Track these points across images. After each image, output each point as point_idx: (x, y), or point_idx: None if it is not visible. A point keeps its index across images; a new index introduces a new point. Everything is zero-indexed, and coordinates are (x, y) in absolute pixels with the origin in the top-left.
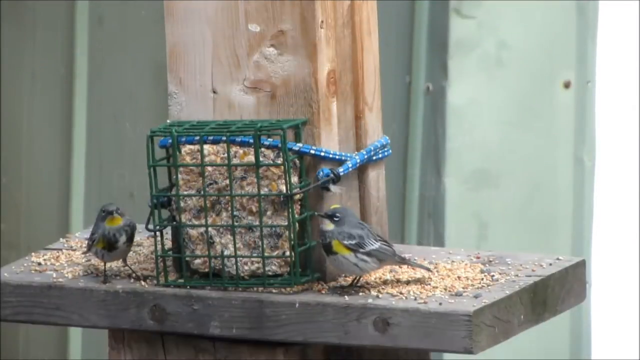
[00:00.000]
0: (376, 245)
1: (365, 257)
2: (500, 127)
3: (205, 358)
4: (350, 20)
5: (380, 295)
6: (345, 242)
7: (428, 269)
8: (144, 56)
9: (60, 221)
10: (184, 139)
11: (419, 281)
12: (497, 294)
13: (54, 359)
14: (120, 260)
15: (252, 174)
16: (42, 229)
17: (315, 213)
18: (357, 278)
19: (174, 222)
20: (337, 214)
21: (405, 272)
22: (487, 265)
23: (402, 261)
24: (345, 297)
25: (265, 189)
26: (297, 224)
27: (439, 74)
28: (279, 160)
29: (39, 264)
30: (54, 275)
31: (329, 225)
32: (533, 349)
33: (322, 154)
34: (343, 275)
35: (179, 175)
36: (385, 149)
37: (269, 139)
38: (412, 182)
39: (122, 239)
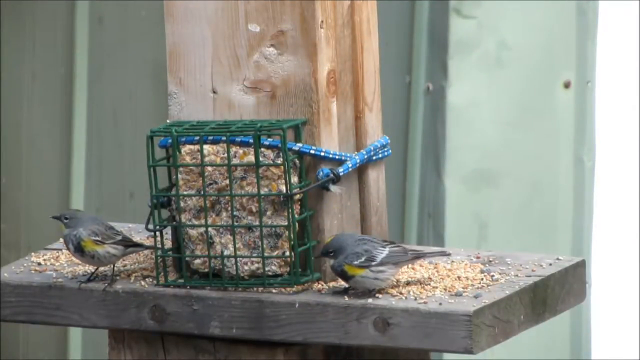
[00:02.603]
0: (385, 251)
1: (380, 268)
2: (500, 127)
3: (205, 358)
4: (350, 20)
5: (380, 295)
6: (356, 262)
7: (445, 254)
8: (144, 56)
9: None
10: (183, 139)
11: (419, 281)
12: (497, 294)
13: (54, 359)
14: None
15: (252, 174)
16: (42, 229)
17: (313, 257)
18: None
19: (174, 222)
20: (330, 250)
21: (405, 272)
22: (487, 265)
23: (417, 256)
24: (345, 297)
25: (265, 189)
26: (297, 224)
27: (439, 74)
28: (279, 160)
29: (39, 264)
30: (54, 275)
31: (329, 262)
32: (533, 348)
33: (322, 154)
34: None
35: (179, 175)
36: (385, 149)
37: (269, 139)
38: (412, 182)
39: (70, 247)
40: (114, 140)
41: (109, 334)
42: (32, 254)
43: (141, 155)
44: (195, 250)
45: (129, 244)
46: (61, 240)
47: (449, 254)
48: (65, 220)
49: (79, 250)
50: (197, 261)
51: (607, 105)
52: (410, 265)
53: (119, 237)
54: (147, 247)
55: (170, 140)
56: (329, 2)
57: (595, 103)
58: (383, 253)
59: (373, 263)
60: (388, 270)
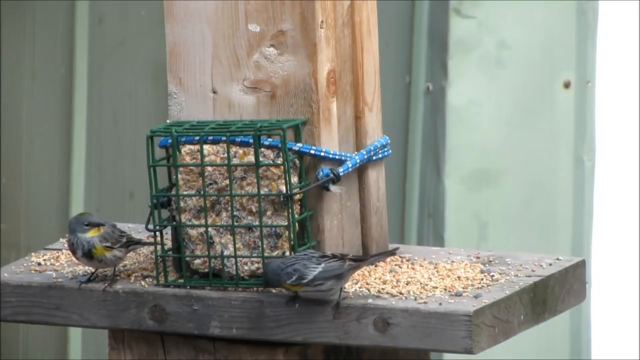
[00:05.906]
0: (319, 268)
1: (317, 282)
2: (500, 127)
3: (205, 358)
4: (350, 20)
5: (380, 295)
6: (288, 282)
7: (393, 253)
8: (144, 56)
9: (60, 221)
10: (183, 139)
11: (418, 281)
12: (497, 294)
13: (54, 359)
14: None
15: (252, 174)
16: (42, 229)
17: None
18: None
19: (174, 222)
20: (267, 280)
21: (405, 272)
22: (487, 265)
23: (356, 267)
24: (350, 295)
25: (265, 189)
26: (297, 224)
27: (439, 74)
28: (279, 160)
29: (39, 264)
30: (54, 275)
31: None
32: (533, 349)
33: (322, 154)
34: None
35: (179, 175)
36: (385, 149)
37: (269, 139)
38: (412, 182)
39: (79, 252)
40: (114, 140)
41: (109, 334)
42: (32, 254)
43: (141, 155)
44: (195, 250)
45: (131, 243)
46: (61, 240)
47: (396, 250)
48: (103, 226)
49: (87, 256)
50: (197, 261)
51: (607, 105)
52: (410, 266)
53: (124, 239)
54: (146, 244)
55: (170, 140)
56: (329, 2)
57: (595, 103)
58: (316, 270)
59: (304, 281)
60: (327, 283)
